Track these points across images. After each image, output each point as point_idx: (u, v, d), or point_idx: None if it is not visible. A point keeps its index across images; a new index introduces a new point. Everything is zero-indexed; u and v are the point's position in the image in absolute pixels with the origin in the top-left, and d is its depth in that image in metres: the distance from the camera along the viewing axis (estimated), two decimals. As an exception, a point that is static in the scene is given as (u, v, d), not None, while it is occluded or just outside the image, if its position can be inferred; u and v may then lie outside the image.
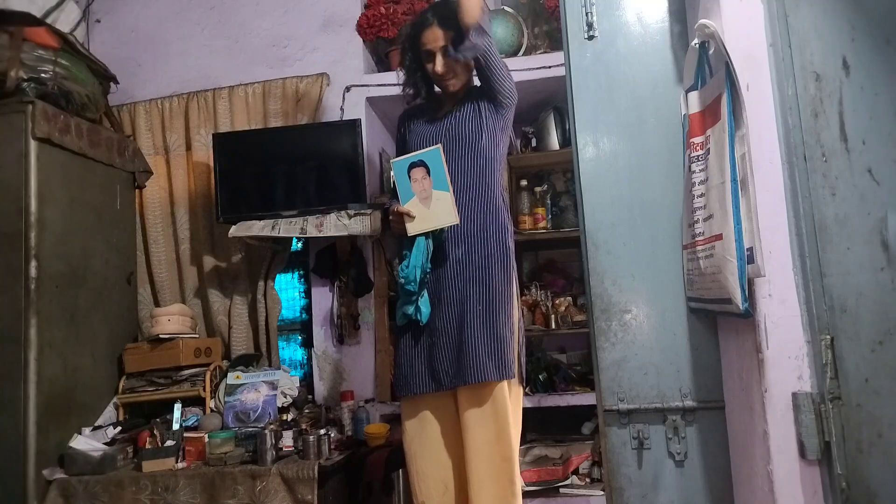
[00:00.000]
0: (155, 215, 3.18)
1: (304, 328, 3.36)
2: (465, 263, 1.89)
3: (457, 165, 1.92)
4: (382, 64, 3.31)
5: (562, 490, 2.83)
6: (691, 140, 1.68)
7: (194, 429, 2.52)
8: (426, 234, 1.90)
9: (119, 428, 2.56)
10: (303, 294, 3.41)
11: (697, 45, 1.64)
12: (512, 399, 1.86)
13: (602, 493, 2.58)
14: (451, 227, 1.91)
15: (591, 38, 1.89)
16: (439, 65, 1.90)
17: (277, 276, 3.14)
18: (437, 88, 2.07)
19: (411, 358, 1.93)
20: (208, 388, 2.68)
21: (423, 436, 1.91)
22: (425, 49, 1.93)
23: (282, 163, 2.93)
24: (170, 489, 2.25)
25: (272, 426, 2.44)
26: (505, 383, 1.83)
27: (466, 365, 1.81)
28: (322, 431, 2.42)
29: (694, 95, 1.68)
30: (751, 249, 1.47)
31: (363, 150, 2.87)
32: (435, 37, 1.89)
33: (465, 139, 1.94)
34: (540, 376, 3.15)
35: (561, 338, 3.43)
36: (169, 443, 2.43)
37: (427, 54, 1.93)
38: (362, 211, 2.75)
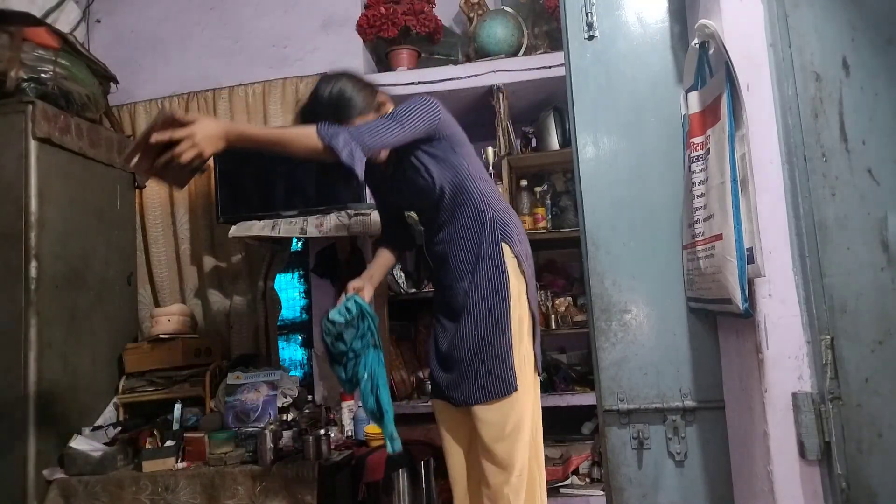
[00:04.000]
0: (155, 215, 3.19)
1: (304, 328, 3.36)
2: (455, 290, 1.84)
3: (425, 205, 1.87)
4: (382, 64, 3.31)
5: (562, 490, 2.83)
6: (691, 140, 1.68)
7: (194, 429, 2.52)
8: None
9: (119, 428, 2.56)
10: (303, 294, 3.41)
11: (697, 45, 1.63)
12: (521, 392, 1.81)
13: (602, 493, 2.58)
14: (438, 253, 1.88)
15: (591, 38, 1.89)
16: None
17: (277, 276, 3.14)
18: None
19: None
20: (208, 388, 2.68)
21: (443, 434, 1.93)
22: None
23: (282, 163, 2.92)
24: (170, 489, 2.25)
25: (272, 426, 2.44)
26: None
27: (469, 386, 1.78)
28: (322, 431, 2.42)
29: (694, 95, 1.68)
30: (751, 249, 1.47)
31: (363, 150, 2.87)
32: None
33: (420, 181, 1.83)
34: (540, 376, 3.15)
35: (561, 338, 3.42)
36: (169, 443, 2.43)
37: None
38: (363, 211, 2.75)
